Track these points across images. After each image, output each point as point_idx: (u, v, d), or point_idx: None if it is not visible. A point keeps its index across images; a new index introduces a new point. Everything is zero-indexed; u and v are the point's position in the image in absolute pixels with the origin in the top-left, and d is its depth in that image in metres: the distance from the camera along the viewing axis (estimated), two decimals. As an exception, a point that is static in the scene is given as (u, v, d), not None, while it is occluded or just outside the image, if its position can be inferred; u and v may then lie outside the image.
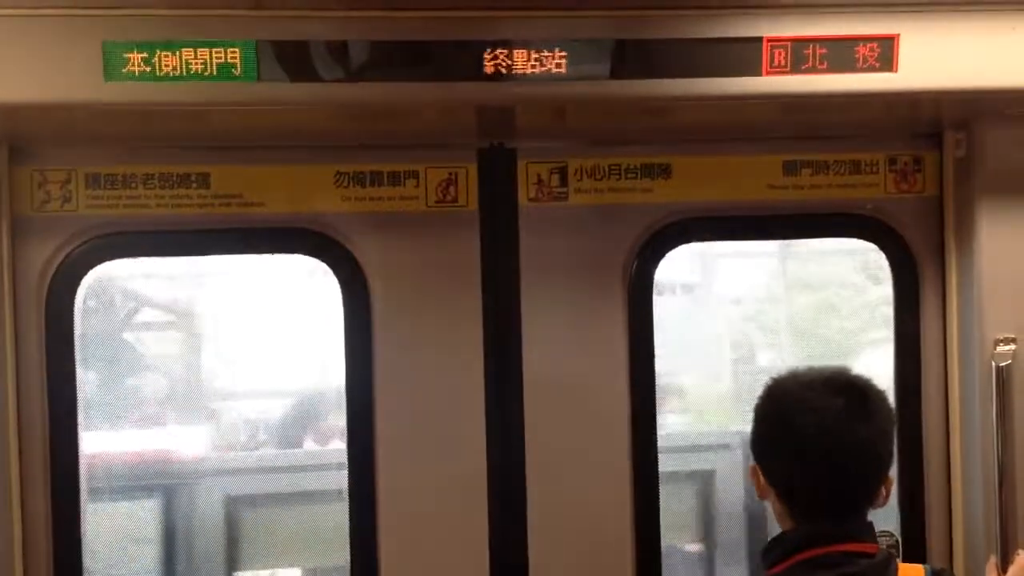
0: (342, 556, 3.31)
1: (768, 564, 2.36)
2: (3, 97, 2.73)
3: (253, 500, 3.78)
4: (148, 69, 2.74)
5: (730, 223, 3.45)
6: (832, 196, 3.41)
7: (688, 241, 3.48)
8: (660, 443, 3.38)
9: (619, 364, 3.32)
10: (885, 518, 3.30)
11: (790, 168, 3.41)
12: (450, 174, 3.28)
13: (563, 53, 2.83)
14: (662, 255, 3.40)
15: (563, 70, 2.84)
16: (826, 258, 4.10)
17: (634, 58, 2.88)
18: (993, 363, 3.23)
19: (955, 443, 3.39)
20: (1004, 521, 3.22)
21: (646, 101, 2.96)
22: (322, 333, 3.40)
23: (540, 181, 3.32)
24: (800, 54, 2.91)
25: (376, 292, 3.25)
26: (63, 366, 3.16)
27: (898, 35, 2.92)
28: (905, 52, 2.92)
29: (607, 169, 3.34)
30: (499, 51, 2.82)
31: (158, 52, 2.74)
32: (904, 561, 2.79)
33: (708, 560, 3.95)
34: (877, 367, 3.42)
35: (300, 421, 3.90)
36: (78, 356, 3.19)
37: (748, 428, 2.46)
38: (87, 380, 3.37)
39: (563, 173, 3.33)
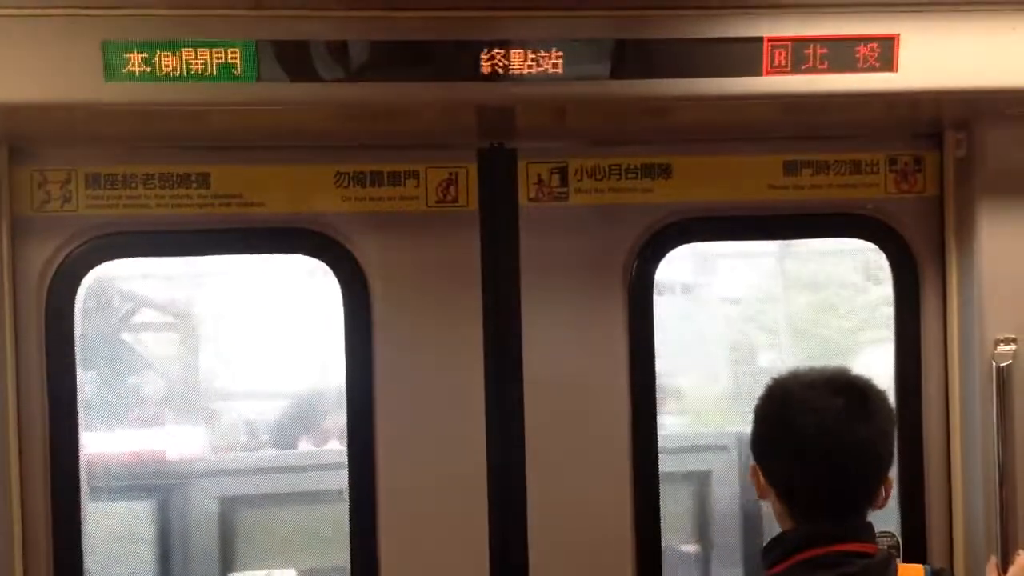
0: (343, 556, 3.31)
1: (768, 564, 2.36)
2: (3, 97, 2.73)
3: (254, 500, 3.78)
4: (148, 69, 2.74)
5: (730, 223, 3.45)
6: (832, 196, 3.41)
7: (688, 241, 3.48)
8: (661, 443, 3.39)
9: (619, 364, 3.32)
10: (885, 518, 3.29)
11: (790, 168, 3.41)
12: (450, 174, 3.28)
13: (559, 53, 2.83)
14: (662, 255, 3.40)
15: (560, 70, 2.84)
16: (826, 258, 4.10)
17: (634, 58, 2.88)
18: (993, 363, 3.23)
19: (955, 443, 3.39)
20: (1004, 521, 3.22)
21: (646, 101, 2.96)
22: (323, 333, 3.40)
23: (540, 181, 3.32)
24: (800, 54, 2.91)
25: (376, 292, 3.25)
26: (63, 366, 3.16)
27: (898, 35, 2.92)
28: (905, 52, 2.92)
29: (607, 169, 3.34)
30: (496, 51, 2.82)
31: (158, 52, 2.74)
32: (904, 561, 2.80)
33: (704, 561, 3.94)
34: (877, 367, 3.42)
35: (301, 421, 3.90)
36: (78, 356, 3.20)
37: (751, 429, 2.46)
38: (87, 380, 3.36)
39: (563, 173, 3.33)
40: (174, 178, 3.19)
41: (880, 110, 3.18)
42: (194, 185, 3.20)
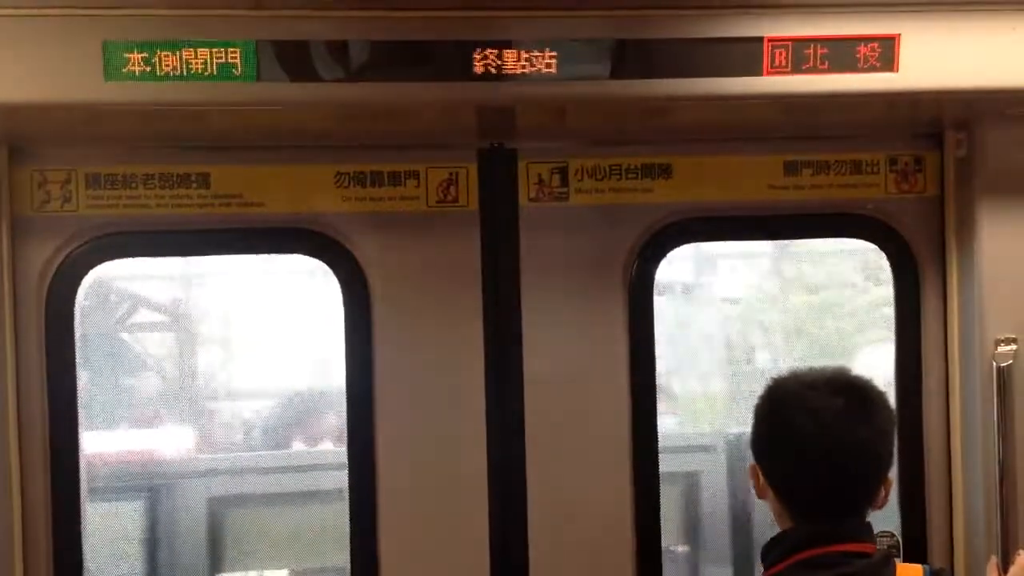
0: (342, 558, 3.31)
1: (767, 564, 2.36)
2: (3, 97, 2.73)
3: (255, 500, 3.77)
4: (148, 69, 2.74)
5: (731, 223, 3.45)
6: (833, 196, 3.41)
7: (689, 241, 3.48)
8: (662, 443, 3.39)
9: (619, 364, 3.32)
10: (885, 518, 3.29)
11: (791, 168, 3.40)
12: (450, 174, 3.28)
13: (553, 53, 2.83)
14: (663, 255, 3.40)
15: (553, 70, 2.83)
16: (826, 258, 4.10)
17: (634, 58, 2.88)
18: (994, 363, 3.23)
19: (956, 443, 3.38)
20: (1005, 521, 3.22)
21: (646, 101, 2.96)
22: (324, 333, 3.40)
23: (541, 181, 3.32)
24: (801, 54, 2.90)
25: (376, 292, 3.25)
26: (63, 366, 3.16)
27: (899, 35, 2.92)
28: (906, 52, 2.92)
29: (608, 169, 3.34)
30: (489, 51, 2.82)
31: (158, 52, 2.74)
32: (905, 561, 2.80)
33: (694, 562, 3.94)
34: (877, 367, 3.42)
35: (303, 421, 3.90)
36: (78, 356, 3.20)
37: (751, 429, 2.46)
38: (87, 380, 3.36)
39: (563, 173, 3.33)
40: (174, 178, 3.19)
41: (880, 110, 3.18)
42: (194, 185, 3.20)
